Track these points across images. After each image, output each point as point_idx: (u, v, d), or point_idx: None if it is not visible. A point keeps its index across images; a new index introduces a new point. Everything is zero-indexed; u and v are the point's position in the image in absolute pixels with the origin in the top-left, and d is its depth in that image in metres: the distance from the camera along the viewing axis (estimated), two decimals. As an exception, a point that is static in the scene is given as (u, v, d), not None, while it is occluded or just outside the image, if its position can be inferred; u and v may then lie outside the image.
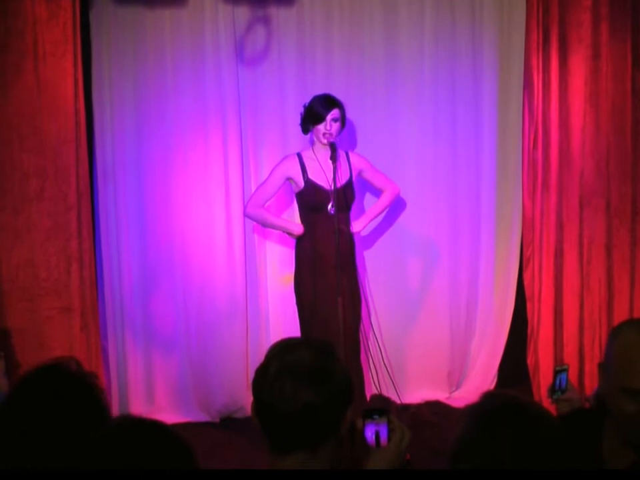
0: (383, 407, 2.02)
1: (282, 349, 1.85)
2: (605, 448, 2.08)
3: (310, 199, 4.57)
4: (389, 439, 1.92)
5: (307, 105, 4.58)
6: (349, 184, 4.59)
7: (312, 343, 1.91)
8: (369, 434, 1.91)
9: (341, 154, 4.62)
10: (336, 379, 1.80)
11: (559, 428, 1.56)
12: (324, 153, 4.49)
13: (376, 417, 1.92)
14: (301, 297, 4.61)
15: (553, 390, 2.79)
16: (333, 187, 4.38)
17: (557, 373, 2.81)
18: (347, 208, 4.58)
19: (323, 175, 4.51)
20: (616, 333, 2.06)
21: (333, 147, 4.39)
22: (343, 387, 1.81)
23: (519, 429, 1.52)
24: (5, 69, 4.66)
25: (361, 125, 5.16)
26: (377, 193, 4.95)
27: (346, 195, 4.54)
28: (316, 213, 4.54)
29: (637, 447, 2.01)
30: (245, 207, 4.80)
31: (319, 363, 1.81)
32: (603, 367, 2.09)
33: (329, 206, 4.43)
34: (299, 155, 4.63)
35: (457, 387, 5.37)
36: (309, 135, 4.67)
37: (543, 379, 5.03)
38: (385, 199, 4.80)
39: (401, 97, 5.18)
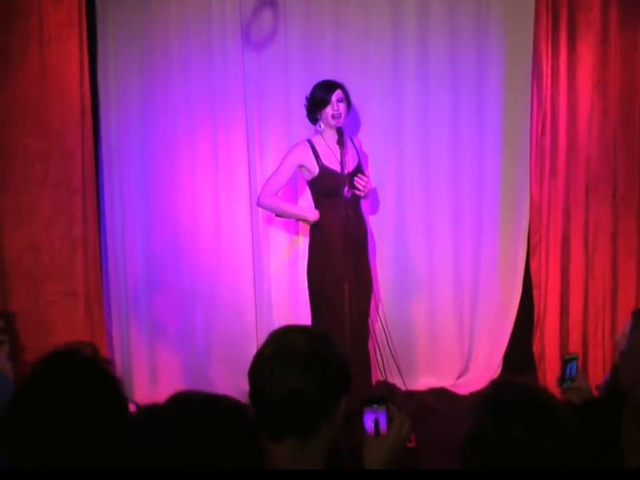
0: (382, 395, 2.00)
1: (278, 335, 1.86)
2: (624, 438, 2.07)
3: (325, 184, 4.52)
4: (388, 427, 1.90)
5: (308, 95, 4.54)
6: (359, 168, 4.55)
7: (309, 329, 1.91)
8: (368, 422, 1.89)
9: (347, 139, 4.59)
10: (329, 367, 1.79)
11: (577, 426, 1.54)
12: (333, 138, 4.46)
13: (375, 405, 1.90)
14: (313, 283, 4.57)
15: (562, 379, 2.76)
16: (345, 171, 4.33)
17: (566, 361, 2.78)
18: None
19: (335, 160, 4.45)
20: (638, 322, 2.05)
21: (340, 132, 4.37)
22: (336, 374, 1.80)
23: (537, 426, 1.50)
24: (9, 51, 4.65)
25: (366, 109, 5.12)
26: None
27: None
28: (330, 198, 4.48)
29: None
30: (258, 197, 4.71)
31: (312, 350, 1.80)
32: (624, 356, 2.07)
33: (345, 190, 4.37)
34: (310, 141, 4.57)
35: (462, 374, 5.35)
36: (320, 126, 4.60)
37: (548, 366, 5.02)
38: None
39: (406, 81, 5.14)
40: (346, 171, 4.36)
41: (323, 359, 1.79)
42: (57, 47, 4.69)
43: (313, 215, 4.57)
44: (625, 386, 2.08)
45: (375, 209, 5.12)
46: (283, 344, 1.81)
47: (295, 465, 1.76)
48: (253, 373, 1.83)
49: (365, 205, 4.73)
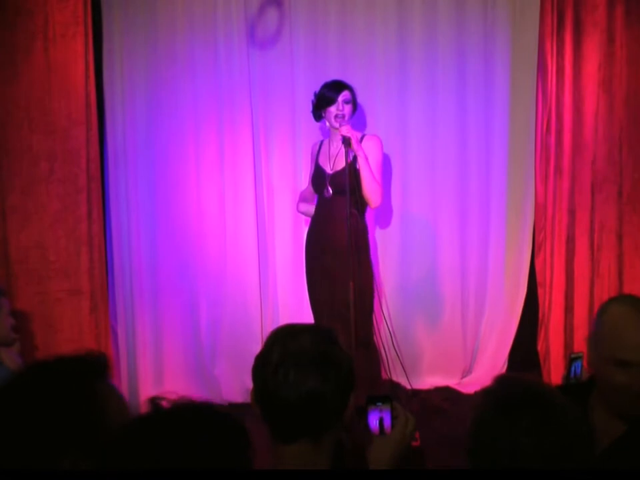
0: (386, 393, 2.00)
1: (284, 336, 1.83)
2: (594, 419, 2.12)
3: (313, 182, 4.63)
4: (393, 426, 1.90)
5: (317, 92, 4.55)
6: (350, 169, 4.34)
7: (314, 329, 1.88)
8: (373, 421, 1.89)
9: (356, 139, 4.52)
10: (339, 366, 1.78)
11: (580, 421, 1.55)
12: (336, 139, 4.47)
13: (379, 403, 1.90)
14: (306, 278, 4.69)
15: (568, 377, 2.78)
16: (331, 171, 4.47)
17: (572, 360, 2.79)
18: (347, 192, 4.25)
19: (327, 158, 4.54)
20: (604, 308, 2.14)
21: (347, 142, 4.28)
22: (346, 373, 1.79)
23: (539, 421, 1.51)
24: (15, 49, 4.66)
25: (372, 108, 5.13)
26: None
27: (342, 180, 4.32)
28: (319, 196, 4.60)
29: (627, 416, 2.08)
30: None
31: (322, 350, 1.78)
32: (591, 341, 2.15)
33: (325, 190, 4.46)
34: (322, 141, 4.69)
35: (467, 373, 5.35)
36: (323, 123, 4.60)
37: (553, 365, 5.02)
38: (370, 180, 4.41)
39: (412, 81, 5.14)
40: (331, 172, 4.46)
41: (333, 358, 1.78)
42: (62, 45, 4.69)
43: (303, 207, 4.80)
44: (593, 369, 2.16)
45: (380, 208, 5.10)
46: (291, 345, 1.78)
47: (306, 465, 1.75)
48: (262, 377, 1.79)
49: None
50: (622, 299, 2.19)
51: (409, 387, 5.05)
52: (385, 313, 4.89)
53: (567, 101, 4.98)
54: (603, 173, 5.04)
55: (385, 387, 4.75)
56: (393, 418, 1.90)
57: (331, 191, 4.44)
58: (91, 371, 1.59)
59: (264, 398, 1.78)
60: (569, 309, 5.10)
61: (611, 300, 2.19)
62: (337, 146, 4.44)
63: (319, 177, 4.55)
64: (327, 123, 4.54)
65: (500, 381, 1.64)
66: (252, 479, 1.33)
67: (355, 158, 4.39)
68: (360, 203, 4.49)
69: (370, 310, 4.55)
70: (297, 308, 5.12)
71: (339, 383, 1.76)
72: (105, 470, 1.33)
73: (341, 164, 4.43)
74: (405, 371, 5.02)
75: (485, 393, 1.61)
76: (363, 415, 1.90)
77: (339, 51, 5.09)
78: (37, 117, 4.71)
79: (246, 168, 5.07)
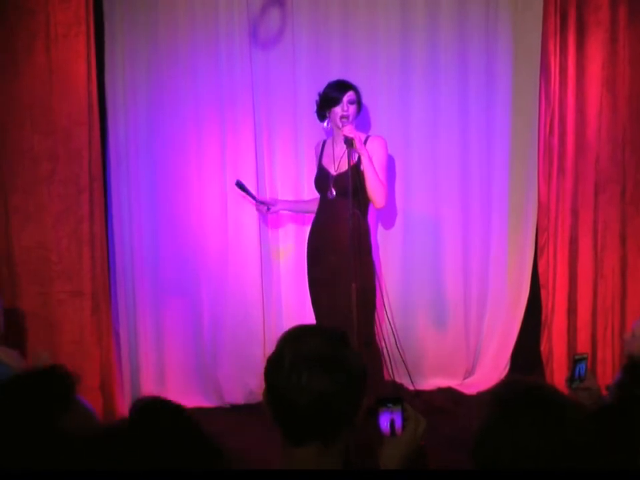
0: (397, 395, 2.00)
1: (295, 338, 1.83)
2: None
3: (317, 182, 4.61)
4: (404, 427, 1.90)
5: (321, 92, 4.53)
6: (354, 170, 4.32)
7: (325, 331, 1.88)
8: (384, 422, 1.89)
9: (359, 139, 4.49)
10: (351, 369, 1.78)
11: (583, 420, 1.55)
12: (340, 139, 4.46)
13: (390, 405, 1.90)
14: (308, 279, 4.68)
15: (572, 379, 2.77)
16: (334, 172, 4.46)
17: (576, 361, 2.79)
18: (349, 194, 4.22)
19: (331, 160, 4.51)
20: None
21: (349, 142, 4.28)
22: (358, 375, 1.79)
23: (545, 422, 1.51)
24: (17, 48, 4.64)
25: (374, 108, 5.12)
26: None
27: (346, 181, 4.27)
28: (322, 197, 4.58)
29: None
30: None
31: (334, 352, 1.78)
32: None
33: (329, 192, 4.45)
34: (324, 142, 4.66)
35: (470, 374, 5.35)
36: (327, 124, 4.57)
37: (556, 366, 5.01)
38: (374, 181, 4.38)
39: (415, 81, 5.15)
40: (335, 173, 4.45)
41: (346, 361, 1.78)
42: (64, 45, 4.67)
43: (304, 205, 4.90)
44: None
45: (382, 209, 5.08)
46: (303, 349, 1.78)
47: (316, 467, 1.75)
48: (274, 380, 1.79)
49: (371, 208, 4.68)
50: None
51: (411, 387, 5.04)
52: (387, 313, 4.88)
53: (570, 101, 4.97)
54: (606, 173, 5.03)
55: (387, 387, 4.74)
56: (404, 419, 1.90)
57: (334, 193, 4.43)
58: (51, 392, 1.60)
59: (275, 400, 1.78)
60: (572, 310, 5.09)
61: None
62: (342, 147, 4.41)
63: (322, 178, 4.54)
64: (328, 124, 4.53)
65: (504, 383, 1.64)
66: None
67: (359, 159, 4.37)
68: (362, 204, 4.47)
69: (372, 310, 4.53)
70: (299, 309, 5.12)
71: (350, 387, 1.76)
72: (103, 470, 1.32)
73: (345, 165, 4.38)
74: (407, 372, 5.01)
75: (490, 395, 1.61)
76: (372, 415, 1.90)
77: (341, 51, 5.10)
78: (38, 117, 4.70)
79: (248, 168, 5.06)
